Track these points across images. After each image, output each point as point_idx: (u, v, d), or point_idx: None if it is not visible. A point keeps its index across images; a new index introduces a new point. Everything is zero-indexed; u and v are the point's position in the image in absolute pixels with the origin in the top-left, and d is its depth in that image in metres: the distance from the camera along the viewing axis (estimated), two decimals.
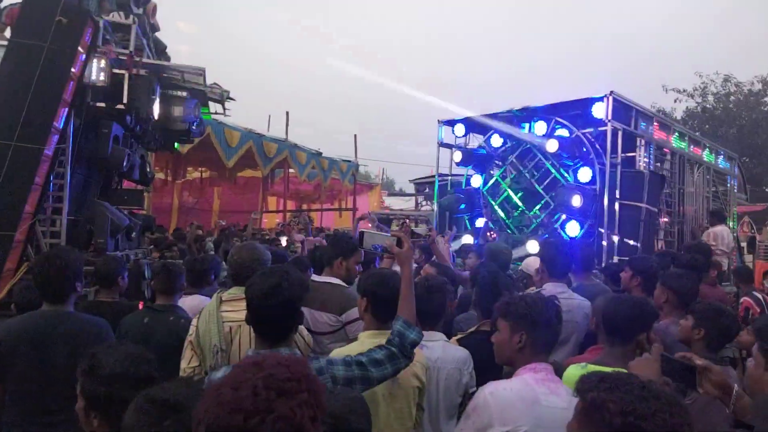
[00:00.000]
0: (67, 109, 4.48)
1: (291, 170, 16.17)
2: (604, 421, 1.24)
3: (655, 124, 8.20)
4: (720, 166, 10.46)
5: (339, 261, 3.49)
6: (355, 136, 18.43)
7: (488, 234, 7.70)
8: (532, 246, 7.25)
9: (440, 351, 2.85)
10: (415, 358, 2.58)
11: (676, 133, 8.83)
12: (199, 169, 17.66)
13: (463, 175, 9.73)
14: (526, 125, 8.57)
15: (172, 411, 1.49)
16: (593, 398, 1.29)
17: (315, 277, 3.59)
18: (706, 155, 9.81)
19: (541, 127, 8.21)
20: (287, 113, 16.07)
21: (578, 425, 1.35)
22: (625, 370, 2.11)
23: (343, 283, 3.41)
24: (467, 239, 8.01)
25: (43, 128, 4.24)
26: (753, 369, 1.97)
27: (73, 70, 4.42)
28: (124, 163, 5.17)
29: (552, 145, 7.59)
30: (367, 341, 2.58)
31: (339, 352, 2.60)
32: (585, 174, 7.48)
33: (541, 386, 2.07)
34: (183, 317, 3.40)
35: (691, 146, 9.33)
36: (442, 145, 9.66)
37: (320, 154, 16.39)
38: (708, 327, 2.90)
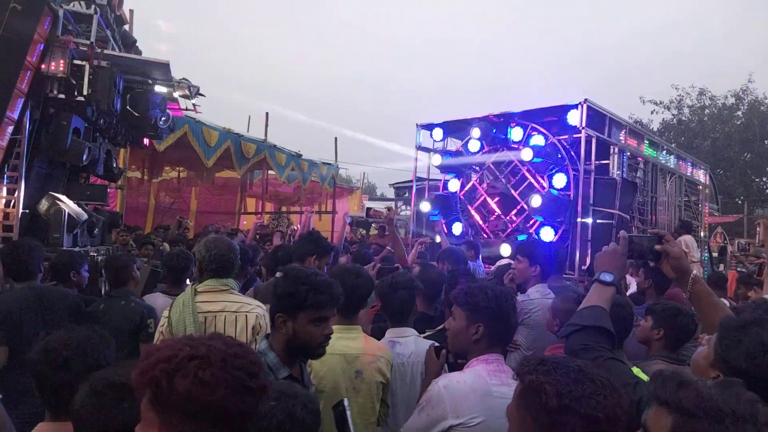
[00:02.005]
0: (23, 100, 4.36)
1: (270, 172, 15.99)
2: (541, 403, 1.26)
3: (628, 132, 8.26)
4: (692, 176, 10.59)
5: (313, 258, 3.55)
6: (336, 139, 18.34)
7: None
8: (505, 249, 7.32)
9: (413, 346, 2.86)
10: (380, 353, 2.64)
11: (649, 143, 8.91)
12: (177, 168, 17.40)
13: (441, 179, 9.71)
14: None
15: (129, 393, 1.49)
16: (531, 380, 1.31)
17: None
18: (679, 165, 9.92)
19: (517, 132, 8.21)
20: (267, 114, 15.89)
21: (516, 407, 1.36)
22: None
23: None
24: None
25: None
26: (701, 359, 1.91)
27: (29, 59, 4.30)
28: (84, 157, 5.02)
29: (527, 154, 7.63)
30: (332, 336, 2.57)
31: None
32: (560, 180, 7.54)
33: (493, 377, 2.08)
34: (134, 301, 3.72)
35: (664, 156, 9.43)
36: (420, 148, 9.62)
37: (300, 155, 16.25)
38: (666, 327, 2.96)
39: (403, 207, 23.66)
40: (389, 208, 4.69)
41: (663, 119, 29.26)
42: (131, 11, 8.07)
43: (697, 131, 27.70)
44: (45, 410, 1.83)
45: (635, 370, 2.44)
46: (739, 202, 25.11)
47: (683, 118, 28.83)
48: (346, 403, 1.98)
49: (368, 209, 6.48)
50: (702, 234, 10.89)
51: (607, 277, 1.97)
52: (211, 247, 3.00)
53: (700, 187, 11.01)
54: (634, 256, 2.08)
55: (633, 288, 5.01)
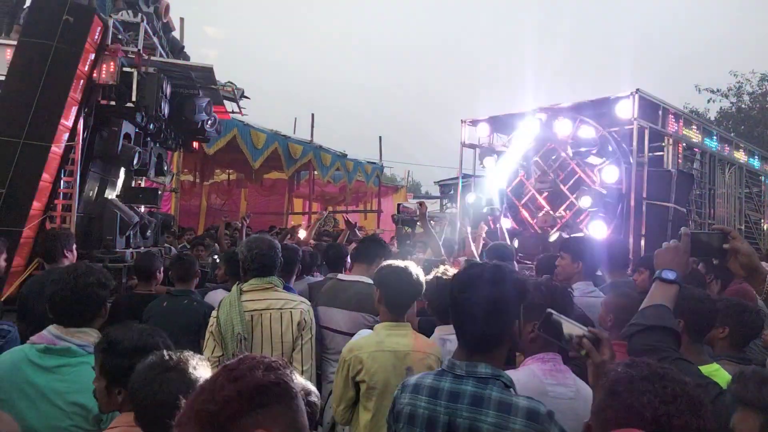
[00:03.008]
0: (76, 108, 4.54)
1: (316, 172, 16.20)
2: (602, 385, 1.26)
3: (683, 122, 7.93)
4: (754, 166, 10.07)
5: (382, 260, 3.48)
6: (380, 138, 18.40)
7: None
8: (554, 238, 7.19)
9: None
10: (430, 350, 2.67)
11: (707, 132, 8.53)
12: (227, 171, 17.84)
13: (486, 176, 9.57)
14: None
15: (176, 364, 1.69)
16: (610, 367, 1.31)
17: (343, 276, 3.67)
18: (738, 155, 9.45)
19: (565, 126, 7.99)
20: (312, 115, 16.08)
21: None
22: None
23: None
24: None
25: (50, 126, 4.28)
26: None
27: (81, 68, 4.47)
28: (134, 161, 5.19)
29: (585, 202, 7.30)
30: (382, 332, 2.67)
31: (353, 345, 2.66)
32: (611, 173, 7.30)
33: (548, 377, 2.04)
34: (196, 300, 3.82)
35: (723, 146, 9.01)
36: (465, 145, 9.52)
37: (345, 155, 16.39)
38: (732, 325, 2.83)
39: (449, 204, 23.47)
40: (421, 203, 4.59)
41: (721, 108, 27.93)
42: (182, 19, 8.27)
43: (759, 119, 26.31)
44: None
45: (711, 367, 2.33)
46: None
47: (743, 105, 27.44)
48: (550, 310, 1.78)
49: (398, 205, 6.41)
50: (765, 227, 10.38)
51: (670, 275, 1.89)
52: (252, 246, 3.03)
53: (763, 178, 10.49)
54: (697, 253, 1.98)
55: None
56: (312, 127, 15.65)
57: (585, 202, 7.13)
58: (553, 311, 1.79)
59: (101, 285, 2.37)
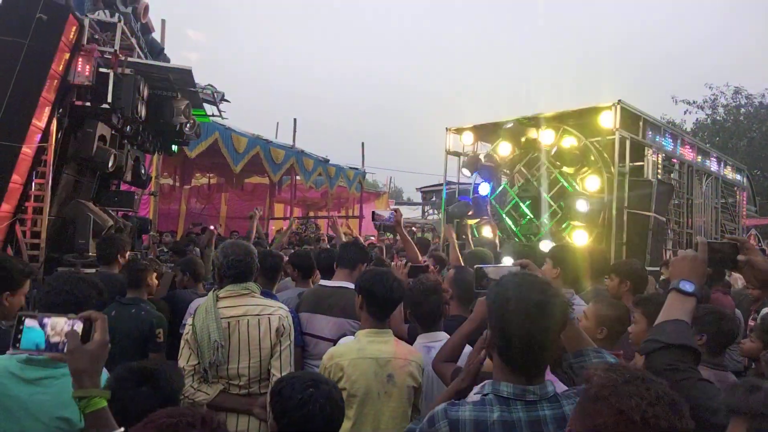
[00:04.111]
0: (49, 108, 4.41)
1: (298, 177, 16.09)
2: (585, 391, 1.24)
3: (663, 133, 8.04)
4: (729, 177, 10.27)
5: (365, 266, 3.53)
6: (363, 144, 18.35)
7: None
8: (546, 246, 7.17)
9: None
10: (412, 357, 2.65)
11: (685, 143, 8.67)
12: (207, 175, 17.68)
13: (470, 183, 9.58)
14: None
15: (148, 378, 1.64)
16: (588, 374, 1.27)
17: (326, 282, 3.60)
18: (714, 166, 9.62)
19: (548, 135, 8.04)
20: (294, 120, 15.98)
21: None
22: None
23: None
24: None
25: (21, 126, 4.16)
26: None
27: (55, 68, 4.35)
28: (110, 164, 5.06)
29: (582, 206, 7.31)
30: (364, 339, 2.65)
31: (334, 352, 2.63)
32: (593, 183, 7.37)
33: None
34: (144, 309, 3.69)
35: (700, 157, 9.16)
36: (449, 153, 9.52)
37: (327, 161, 16.32)
38: (710, 333, 2.85)
39: (432, 211, 23.54)
40: (396, 210, 4.53)
41: (696, 119, 28.62)
42: (163, 21, 8.16)
43: (733, 131, 26.95)
44: None
45: None
46: None
47: (718, 117, 28.10)
48: None
49: (373, 213, 6.32)
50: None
51: (688, 287, 1.76)
52: (228, 252, 2.94)
53: (737, 189, 10.69)
54: (713, 263, 1.87)
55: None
56: (294, 131, 15.56)
57: (581, 206, 7.13)
58: (482, 266, 2.02)
59: (98, 289, 2.26)
